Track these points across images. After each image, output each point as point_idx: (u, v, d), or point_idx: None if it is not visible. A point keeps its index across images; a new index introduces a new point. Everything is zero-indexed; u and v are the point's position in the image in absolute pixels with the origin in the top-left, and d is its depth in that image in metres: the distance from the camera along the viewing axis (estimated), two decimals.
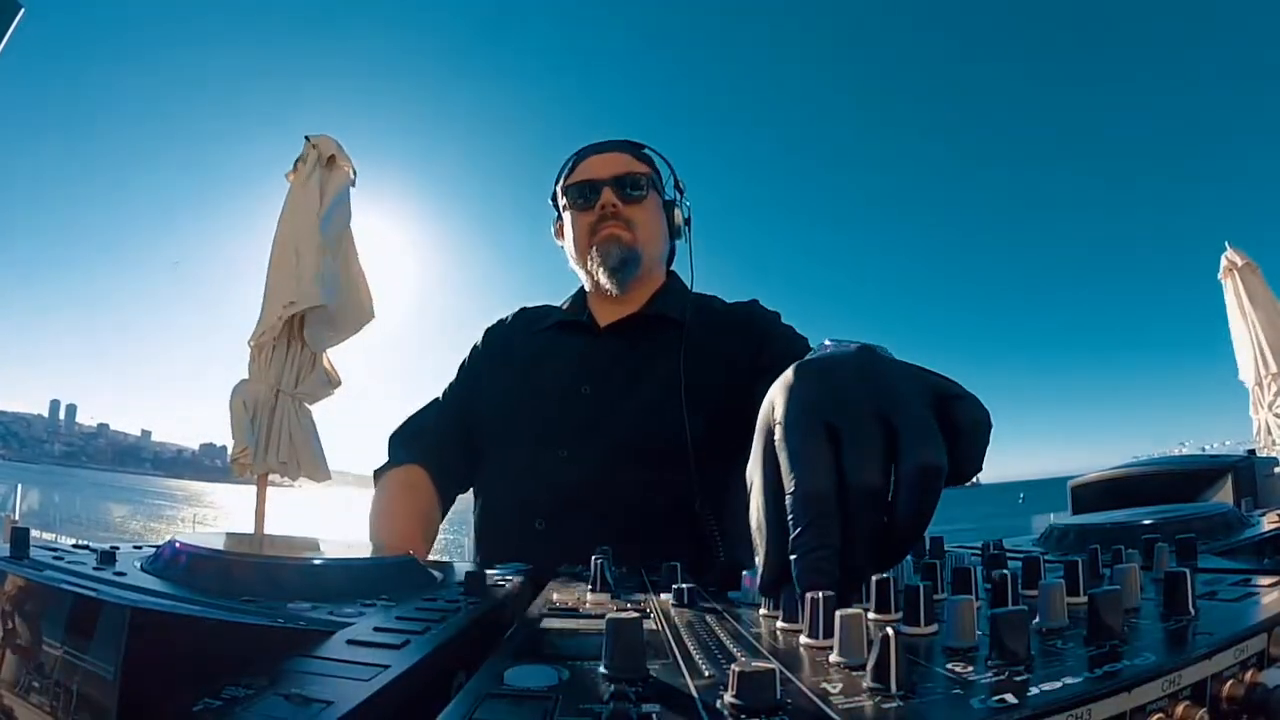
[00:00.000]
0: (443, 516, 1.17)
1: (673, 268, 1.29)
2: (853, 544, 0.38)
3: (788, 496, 0.39)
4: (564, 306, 1.27)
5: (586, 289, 1.24)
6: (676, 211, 1.23)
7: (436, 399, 1.25)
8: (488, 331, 1.31)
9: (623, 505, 1.01)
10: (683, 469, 1.02)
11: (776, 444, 0.42)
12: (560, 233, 1.27)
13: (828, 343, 0.52)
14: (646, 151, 1.23)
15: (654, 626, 0.40)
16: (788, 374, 0.45)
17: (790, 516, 0.39)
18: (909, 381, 0.42)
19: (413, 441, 1.19)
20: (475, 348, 1.29)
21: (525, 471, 1.07)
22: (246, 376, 3.14)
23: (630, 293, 1.17)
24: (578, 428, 1.07)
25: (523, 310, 1.32)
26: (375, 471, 1.18)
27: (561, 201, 1.22)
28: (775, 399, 0.44)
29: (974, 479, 0.43)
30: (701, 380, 1.05)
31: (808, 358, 0.47)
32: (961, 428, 0.41)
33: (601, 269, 1.14)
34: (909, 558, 0.54)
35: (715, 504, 1.01)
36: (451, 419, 1.20)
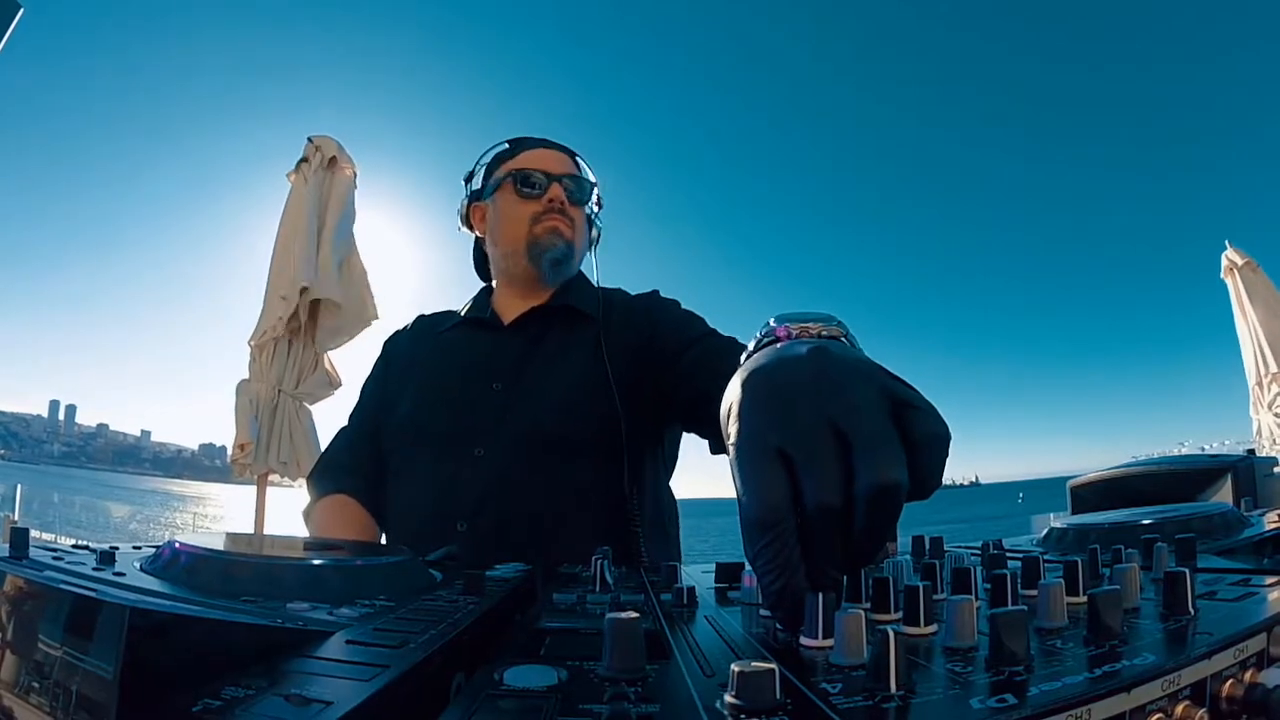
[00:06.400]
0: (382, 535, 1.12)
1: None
2: (814, 562, 0.38)
3: (740, 520, 0.39)
4: (463, 309, 1.25)
5: (501, 278, 1.22)
6: (593, 226, 1.23)
7: (344, 428, 1.22)
8: (388, 341, 1.29)
9: (543, 498, 1.01)
10: (602, 458, 1.03)
11: (730, 466, 0.41)
12: (474, 217, 1.24)
13: (772, 323, 0.50)
14: (580, 162, 1.23)
15: (654, 626, 0.40)
16: (735, 386, 0.43)
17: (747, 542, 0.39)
18: (864, 388, 0.40)
19: (330, 474, 1.15)
20: (378, 362, 1.27)
21: (441, 474, 1.05)
22: (247, 377, 3.14)
23: (550, 286, 1.18)
24: (491, 424, 1.05)
25: (421, 317, 1.30)
26: (303, 512, 1.15)
27: (496, 183, 1.18)
28: (730, 411, 0.42)
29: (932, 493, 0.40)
30: (612, 370, 1.06)
31: (756, 363, 0.44)
32: (918, 442, 0.38)
33: (544, 258, 1.13)
34: (908, 558, 0.54)
35: (634, 491, 1.03)
36: (365, 440, 1.17)
